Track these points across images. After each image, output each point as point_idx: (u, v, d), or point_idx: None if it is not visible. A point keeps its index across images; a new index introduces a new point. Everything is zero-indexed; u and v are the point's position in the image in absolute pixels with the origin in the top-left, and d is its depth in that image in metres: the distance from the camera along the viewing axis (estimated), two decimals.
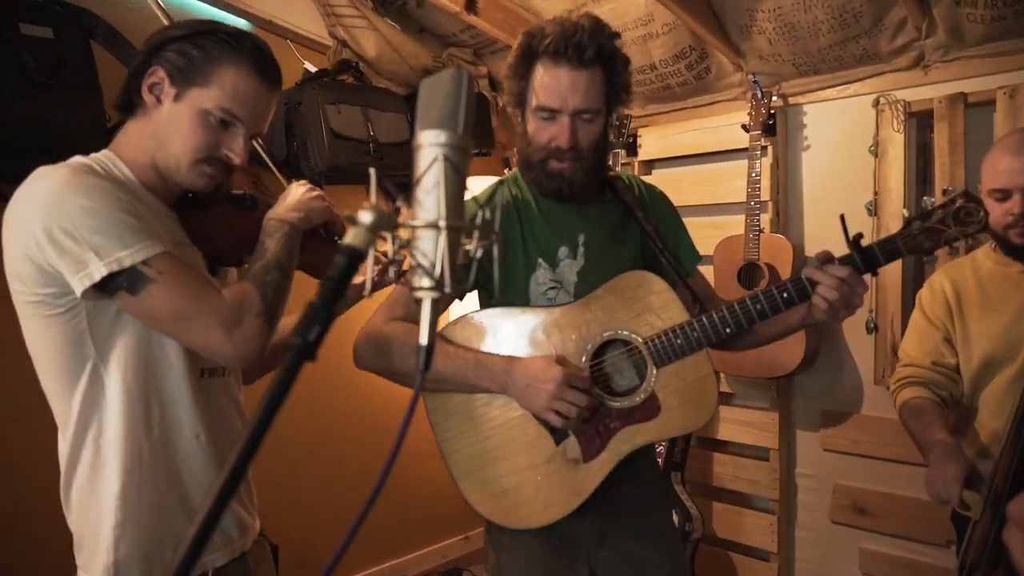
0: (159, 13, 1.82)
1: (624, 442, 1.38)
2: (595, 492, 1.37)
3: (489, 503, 1.41)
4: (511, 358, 1.36)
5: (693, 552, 2.60)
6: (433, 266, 0.60)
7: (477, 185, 2.93)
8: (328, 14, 2.61)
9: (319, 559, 2.56)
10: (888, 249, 1.27)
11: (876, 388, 2.46)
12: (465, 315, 1.47)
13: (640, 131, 3.00)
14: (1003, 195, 1.55)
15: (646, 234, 1.50)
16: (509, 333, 1.42)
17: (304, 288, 1.14)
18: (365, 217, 0.57)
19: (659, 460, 2.62)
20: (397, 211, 0.68)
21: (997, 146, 1.62)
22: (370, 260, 0.59)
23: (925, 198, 1.32)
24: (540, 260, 1.45)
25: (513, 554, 1.45)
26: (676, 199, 2.82)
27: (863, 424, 2.50)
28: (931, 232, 1.24)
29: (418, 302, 0.60)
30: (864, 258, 1.27)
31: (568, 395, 1.29)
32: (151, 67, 1.13)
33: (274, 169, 1.50)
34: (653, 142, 2.98)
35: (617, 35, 1.39)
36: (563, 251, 1.46)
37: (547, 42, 1.33)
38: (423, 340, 0.62)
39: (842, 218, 1.29)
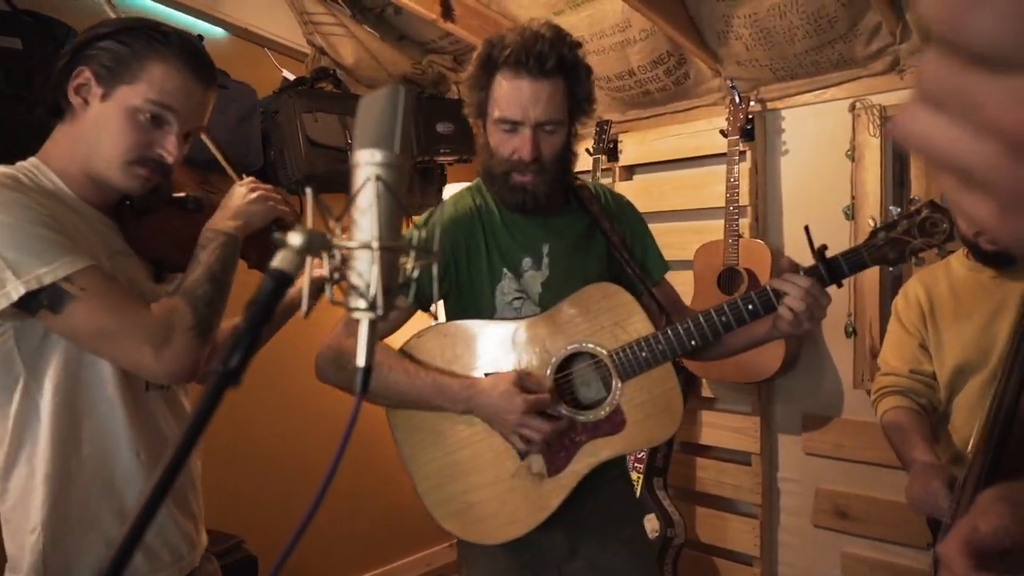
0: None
1: (590, 456, 1.37)
2: (562, 505, 1.36)
3: (454, 519, 1.40)
4: (472, 383, 1.34)
5: (676, 557, 2.60)
6: (368, 287, 0.59)
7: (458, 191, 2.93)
8: (306, 22, 2.61)
9: (300, 570, 2.55)
10: (853, 260, 1.27)
11: (856, 392, 2.47)
12: (432, 326, 1.46)
13: (621, 136, 3.01)
14: None
15: (612, 244, 1.49)
16: (475, 346, 1.41)
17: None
18: (295, 239, 0.56)
19: (640, 465, 2.61)
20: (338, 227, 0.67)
21: None
22: (306, 280, 0.59)
23: (892, 208, 1.32)
24: (505, 270, 1.43)
25: (483, 568, 1.44)
26: (656, 204, 2.87)
27: (844, 428, 2.50)
28: (896, 243, 1.24)
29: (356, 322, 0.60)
30: (829, 269, 1.26)
31: (531, 424, 1.29)
32: (77, 68, 1.09)
33: (224, 164, 1.43)
34: (633, 147, 2.98)
35: (579, 44, 1.37)
36: (527, 262, 1.44)
37: (507, 52, 1.30)
38: (360, 361, 0.61)
39: (806, 229, 1.29)
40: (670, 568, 2.57)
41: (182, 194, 1.27)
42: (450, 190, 3.02)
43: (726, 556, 2.76)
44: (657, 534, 2.54)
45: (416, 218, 1.49)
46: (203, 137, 1.40)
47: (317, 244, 0.57)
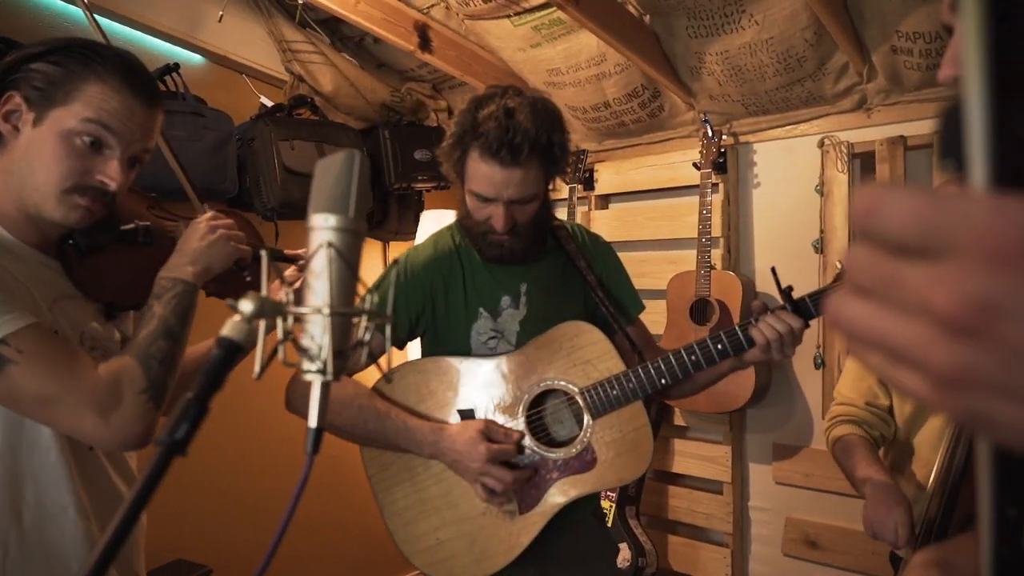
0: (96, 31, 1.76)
1: (560, 494, 1.38)
2: (534, 542, 1.37)
3: (424, 556, 1.40)
4: (440, 429, 1.35)
5: None
6: (320, 350, 0.60)
7: (435, 218, 2.95)
8: (284, 49, 2.62)
9: None
10: (819, 301, 1.29)
11: (825, 423, 2.49)
12: (407, 362, 1.47)
13: (597, 166, 3.04)
14: None
15: (588, 284, 1.51)
16: (449, 382, 1.42)
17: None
18: (245, 307, 0.57)
19: (612, 494, 2.62)
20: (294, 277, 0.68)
21: None
22: (259, 345, 0.59)
23: None
24: (481, 310, 1.45)
25: None
26: (631, 233, 2.90)
27: (813, 458, 2.53)
28: None
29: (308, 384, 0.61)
30: (796, 309, 1.29)
31: (493, 473, 1.30)
32: (5, 93, 1.01)
33: (188, 188, 1.33)
34: (609, 177, 3.02)
35: (554, 115, 1.34)
36: (505, 300, 1.46)
37: (482, 135, 1.28)
38: (312, 423, 0.62)
39: (773, 270, 1.32)
40: None
41: (130, 225, 1.16)
42: (427, 217, 3.04)
43: None
44: (628, 563, 2.55)
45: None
46: (170, 160, 1.32)
47: (269, 310, 0.58)
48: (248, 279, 1.25)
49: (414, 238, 3.05)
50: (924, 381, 0.25)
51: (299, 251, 1.26)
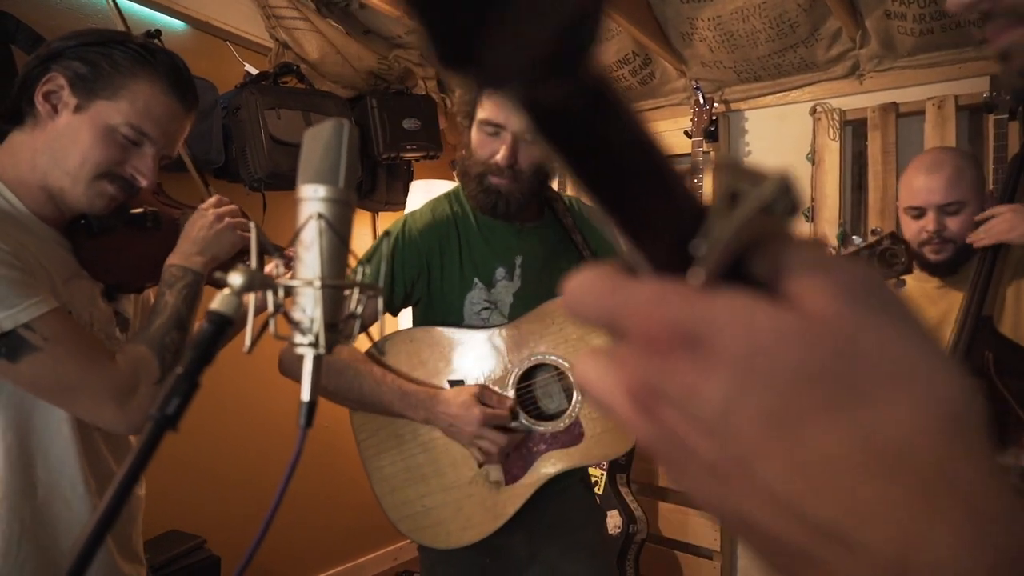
0: (116, 17, 1.74)
1: (547, 466, 1.39)
2: (522, 511, 1.38)
3: (410, 522, 1.42)
4: (436, 393, 1.36)
5: (638, 552, 2.64)
6: (311, 323, 0.59)
7: (425, 188, 2.93)
8: (268, 15, 2.56)
9: (263, 568, 2.54)
10: None
11: None
12: (400, 331, 1.47)
13: None
14: (918, 213, 1.60)
15: (583, 258, 1.51)
16: (441, 352, 1.43)
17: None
18: (235, 280, 0.56)
19: (603, 464, 2.65)
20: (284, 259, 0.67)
21: (913, 164, 1.67)
22: (250, 319, 0.59)
23: (854, 237, 1.35)
24: (476, 280, 1.45)
25: (444, 572, 1.46)
26: None
27: None
28: None
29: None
30: None
31: (487, 435, 1.32)
32: (48, 73, 1.01)
33: (196, 177, 1.37)
34: None
35: None
36: (500, 272, 1.46)
37: None
38: (305, 396, 0.62)
39: None
40: (632, 564, 2.62)
41: (139, 210, 1.19)
42: (417, 187, 3.01)
43: (688, 550, 2.81)
44: (620, 530, 2.58)
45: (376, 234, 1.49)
46: (184, 156, 1.36)
47: (259, 283, 0.57)
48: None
49: (403, 208, 3.02)
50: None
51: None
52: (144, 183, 1.08)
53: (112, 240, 1.13)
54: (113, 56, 1.03)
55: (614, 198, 0.24)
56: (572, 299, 0.27)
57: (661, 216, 0.24)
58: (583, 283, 0.26)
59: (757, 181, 0.23)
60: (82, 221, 1.11)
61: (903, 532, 0.20)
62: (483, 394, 1.36)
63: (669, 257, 0.24)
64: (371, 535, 3.16)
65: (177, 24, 2.41)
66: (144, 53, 1.05)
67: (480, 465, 1.39)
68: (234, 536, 2.40)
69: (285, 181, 2.39)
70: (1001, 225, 1.51)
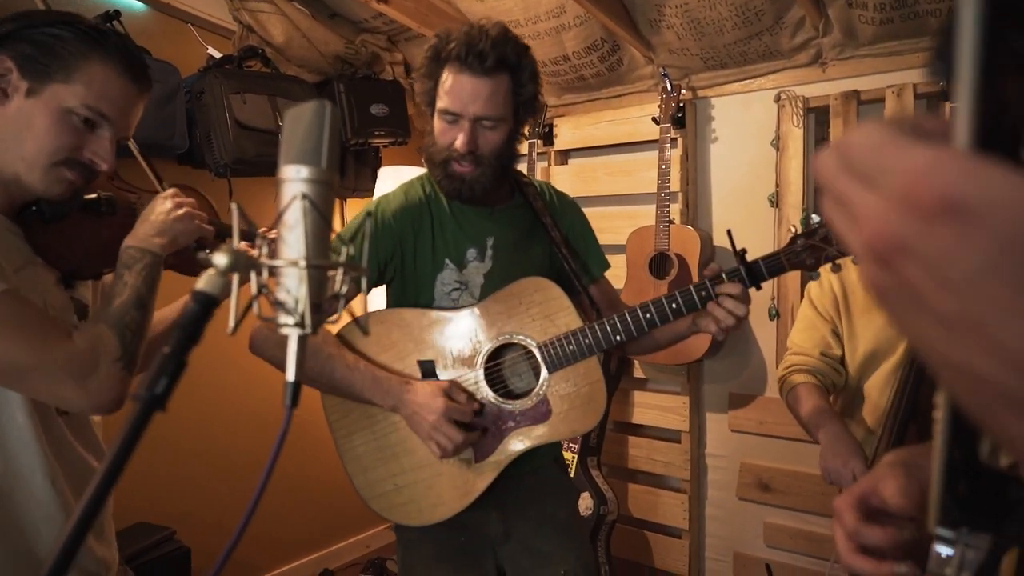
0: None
1: (515, 443, 1.42)
2: (496, 489, 1.41)
3: (382, 500, 1.44)
4: (406, 382, 1.38)
5: (609, 533, 2.68)
6: (296, 304, 0.59)
7: (393, 174, 2.91)
8: None
9: (234, 558, 2.52)
10: (772, 265, 1.33)
11: (779, 371, 2.58)
12: (370, 312, 1.49)
13: (556, 121, 3.03)
14: None
15: (553, 240, 1.53)
16: (411, 333, 1.44)
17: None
18: (220, 260, 0.56)
19: (575, 445, 2.68)
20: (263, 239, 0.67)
21: None
22: (233, 300, 0.58)
23: (813, 215, 1.38)
24: (447, 261, 1.47)
25: (420, 550, 1.47)
26: (591, 189, 2.91)
27: (767, 406, 2.62)
28: (814, 250, 1.30)
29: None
30: (749, 272, 1.32)
31: (446, 430, 1.33)
32: None
33: (147, 170, 1.36)
34: (568, 132, 3.01)
35: (525, 47, 1.40)
36: (472, 252, 1.48)
37: (452, 47, 1.33)
38: (290, 376, 0.61)
39: (728, 233, 1.34)
40: (603, 544, 2.66)
41: (93, 195, 1.17)
42: (385, 173, 2.99)
43: (657, 530, 2.87)
44: (591, 512, 2.62)
45: (342, 227, 1.49)
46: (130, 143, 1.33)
47: (243, 264, 0.57)
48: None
49: (372, 195, 3.00)
50: (861, 272, 0.30)
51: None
52: (104, 167, 1.07)
53: (66, 226, 1.12)
54: (64, 37, 1.02)
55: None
56: (851, 146, 0.28)
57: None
58: (869, 133, 0.28)
59: None
60: (34, 208, 1.09)
61: None
62: (452, 390, 1.38)
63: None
64: (343, 523, 3.15)
65: (137, 5, 2.36)
66: (95, 34, 1.04)
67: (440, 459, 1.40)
68: (204, 526, 2.38)
69: (251, 167, 2.36)
70: None
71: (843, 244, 0.30)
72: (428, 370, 1.44)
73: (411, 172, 2.72)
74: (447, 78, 1.36)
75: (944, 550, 0.41)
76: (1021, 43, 0.25)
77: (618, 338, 1.37)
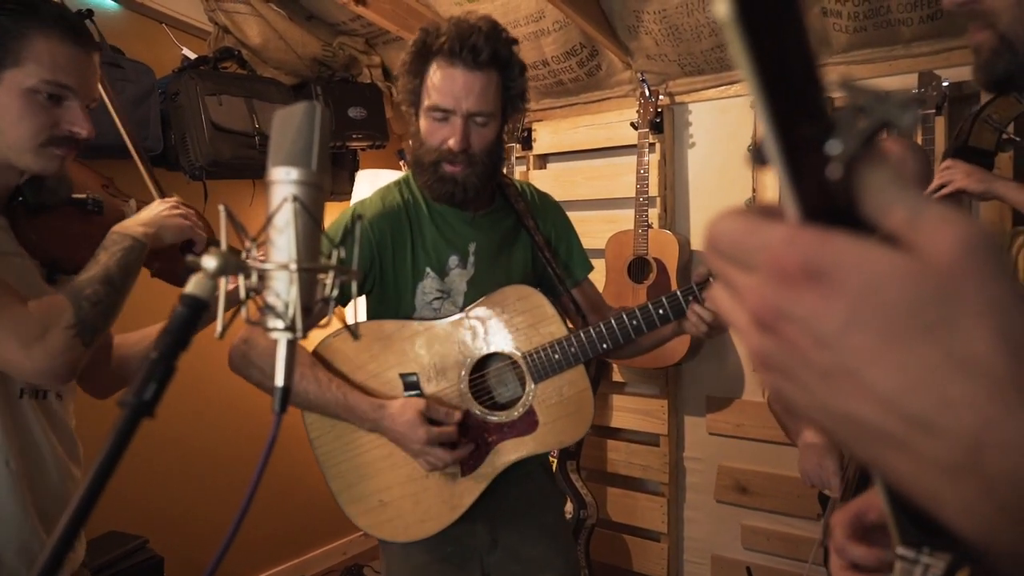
0: None
1: (503, 455, 1.39)
2: (483, 498, 1.38)
3: (367, 517, 1.40)
4: (381, 405, 1.34)
5: (588, 537, 2.69)
6: (286, 307, 0.59)
7: (371, 178, 2.89)
8: None
9: (206, 568, 2.48)
10: None
11: (755, 375, 2.60)
12: (348, 325, 1.45)
13: (535, 125, 3.03)
14: None
15: (536, 243, 1.51)
16: (391, 346, 1.40)
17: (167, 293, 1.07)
18: (209, 263, 0.54)
19: (552, 453, 2.68)
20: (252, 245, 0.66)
21: None
22: (221, 303, 0.57)
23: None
24: (427, 269, 1.43)
25: (404, 563, 1.45)
26: (570, 194, 2.91)
27: (744, 409, 2.65)
28: None
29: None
30: None
31: (433, 453, 1.32)
32: None
33: (148, 181, 1.39)
34: (547, 136, 3.01)
35: (515, 41, 1.37)
36: (454, 260, 1.44)
37: (442, 41, 1.29)
38: (279, 381, 0.60)
39: None
40: (583, 547, 2.66)
41: (82, 195, 1.20)
42: (363, 176, 2.97)
43: (636, 533, 2.88)
44: (571, 516, 2.62)
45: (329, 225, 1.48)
46: (131, 150, 1.39)
47: (232, 267, 0.56)
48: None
49: (349, 199, 2.98)
50: (745, 345, 0.33)
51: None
52: (84, 133, 1.09)
53: (51, 219, 1.15)
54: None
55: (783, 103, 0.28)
56: (716, 237, 0.32)
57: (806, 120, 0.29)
58: (727, 223, 0.32)
59: (881, 99, 0.28)
60: (20, 199, 1.12)
61: (979, 419, 0.27)
62: (430, 410, 1.34)
63: (809, 157, 0.29)
64: (320, 530, 3.12)
65: (110, 4, 2.32)
66: (25, 10, 1.04)
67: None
68: (176, 536, 2.34)
69: (227, 169, 2.33)
70: (956, 174, 1.60)
71: (728, 321, 0.34)
72: (411, 383, 1.40)
73: (389, 176, 2.71)
74: (436, 73, 1.32)
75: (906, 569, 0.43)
76: (811, 131, 0.28)
77: (604, 346, 1.36)
